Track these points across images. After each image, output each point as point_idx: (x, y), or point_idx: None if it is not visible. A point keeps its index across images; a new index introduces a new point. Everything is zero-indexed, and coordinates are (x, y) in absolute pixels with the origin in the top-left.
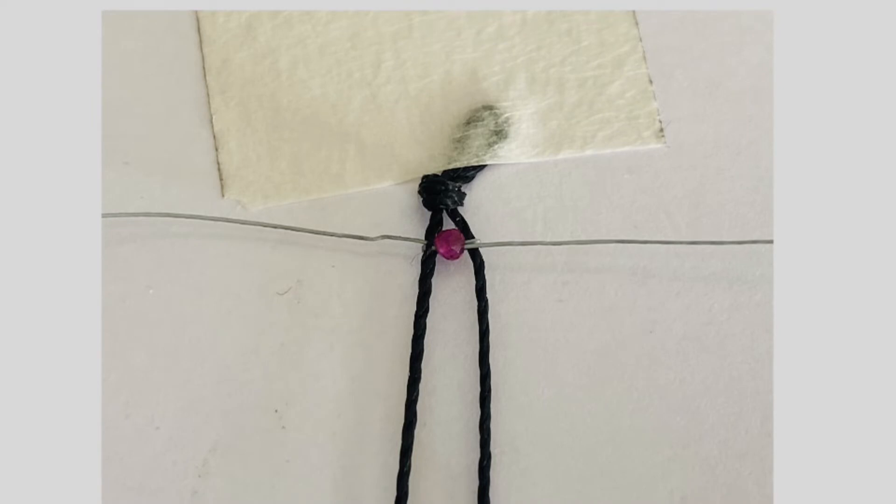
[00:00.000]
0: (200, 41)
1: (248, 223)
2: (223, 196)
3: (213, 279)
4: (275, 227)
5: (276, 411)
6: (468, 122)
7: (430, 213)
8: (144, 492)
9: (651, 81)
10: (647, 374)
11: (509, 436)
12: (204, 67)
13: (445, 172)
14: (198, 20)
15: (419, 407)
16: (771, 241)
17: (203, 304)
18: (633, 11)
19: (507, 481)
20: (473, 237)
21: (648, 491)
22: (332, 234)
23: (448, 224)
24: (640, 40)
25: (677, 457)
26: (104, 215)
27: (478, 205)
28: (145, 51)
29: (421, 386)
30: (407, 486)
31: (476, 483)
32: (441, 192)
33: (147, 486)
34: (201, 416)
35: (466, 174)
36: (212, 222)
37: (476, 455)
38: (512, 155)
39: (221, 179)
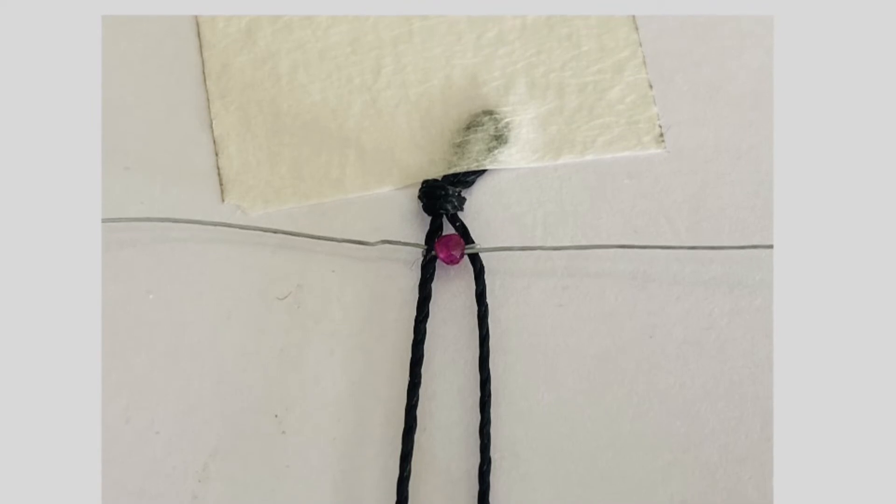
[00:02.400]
0: (200, 46)
1: (248, 228)
2: (223, 201)
3: (213, 284)
4: (275, 231)
5: (275, 416)
6: (468, 127)
7: (430, 218)
8: (144, 496)
9: (651, 86)
10: (648, 379)
11: (509, 441)
12: (204, 72)
13: (445, 177)
14: (198, 25)
15: (419, 412)
16: (771, 246)
17: (203, 309)
18: (633, 16)
19: (507, 486)
20: (473, 242)
21: (649, 496)
22: (331, 239)
23: (448, 229)
24: (640, 45)
25: (677, 462)
26: (104, 220)
27: (478, 210)
28: (145, 55)
29: (421, 391)
30: (407, 491)
31: (476, 488)
32: (441, 197)
33: (147, 490)
34: (201, 420)
35: (466, 179)
36: (212, 227)
37: (476, 460)
38: (512, 160)
39: (221, 184)
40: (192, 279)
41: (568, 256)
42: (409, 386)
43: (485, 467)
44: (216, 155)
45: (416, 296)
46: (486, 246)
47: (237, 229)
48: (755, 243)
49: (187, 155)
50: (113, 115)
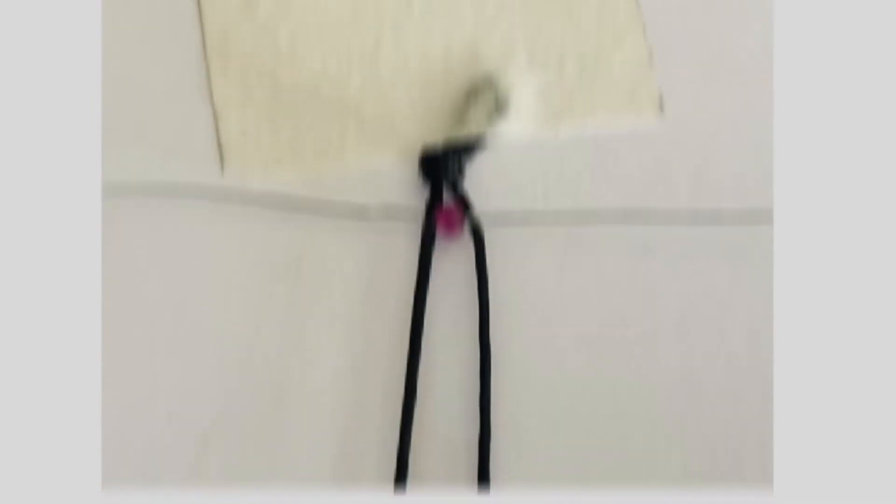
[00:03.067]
0: (200, 16)
1: (249, 198)
2: (223, 171)
3: (214, 255)
4: (275, 201)
5: (277, 387)
6: (468, 98)
7: (430, 189)
8: (145, 468)
9: (651, 56)
10: (648, 350)
11: (509, 411)
12: (204, 43)
13: (446, 147)
14: None
15: (419, 383)
16: (772, 218)
17: (203, 281)
18: None
19: (507, 456)
20: (474, 212)
21: (648, 466)
22: (331, 209)
23: (448, 198)
24: (640, 15)
25: (677, 432)
26: (104, 192)
27: (478, 180)
28: (145, 25)
29: (421, 361)
30: (407, 461)
31: (476, 457)
32: (441, 167)
33: (148, 462)
34: (202, 393)
35: (467, 149)
36: (212, 198)
37: (476, 429)
38: (512, 130)
39: (221, 154)
40: (193, 251)
41: (568, 227)
42: (409, 356)
43: (484, 437)
44: (216, 125)
45: (417, 267)
46: (486, 216)
47: (237, 200)
48: (756, 214)
49: (187, 125)
50: (113, 87)
